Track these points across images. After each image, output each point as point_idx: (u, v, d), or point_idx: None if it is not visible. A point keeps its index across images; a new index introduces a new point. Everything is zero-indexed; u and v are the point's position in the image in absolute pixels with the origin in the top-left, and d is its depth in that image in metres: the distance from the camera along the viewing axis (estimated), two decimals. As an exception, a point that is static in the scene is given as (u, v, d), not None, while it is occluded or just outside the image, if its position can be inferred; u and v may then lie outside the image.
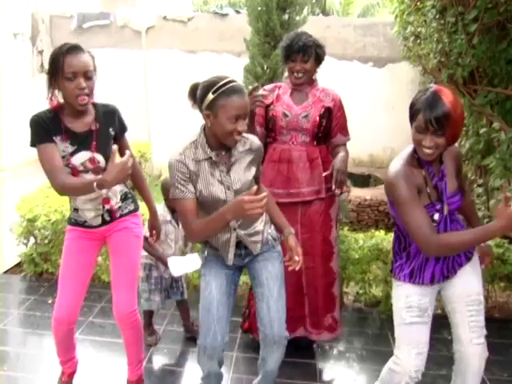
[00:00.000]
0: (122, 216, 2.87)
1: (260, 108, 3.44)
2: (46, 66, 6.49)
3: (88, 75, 2.55)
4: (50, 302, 4.21)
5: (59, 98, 2.64)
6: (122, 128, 2.83)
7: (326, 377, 3.51)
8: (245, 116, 2.39)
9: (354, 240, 4.43)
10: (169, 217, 3.60)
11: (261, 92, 3.28)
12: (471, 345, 2.54)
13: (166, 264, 3.53)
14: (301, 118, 3.38)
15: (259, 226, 2.69)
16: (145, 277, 3.66)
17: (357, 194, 6.02)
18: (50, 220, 4.45)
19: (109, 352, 3.59)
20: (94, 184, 2.43)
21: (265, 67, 4.56)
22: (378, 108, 7.51)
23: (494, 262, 4.21)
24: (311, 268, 3.51)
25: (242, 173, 2.55)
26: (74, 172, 2.67)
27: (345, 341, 3.88)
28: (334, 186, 3.24)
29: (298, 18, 4.77)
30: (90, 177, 2.66)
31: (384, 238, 4.40)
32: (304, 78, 3.39)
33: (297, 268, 2.61)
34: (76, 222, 2.84)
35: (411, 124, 2.35)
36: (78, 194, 2.69)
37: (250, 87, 3.12)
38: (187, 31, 8.01)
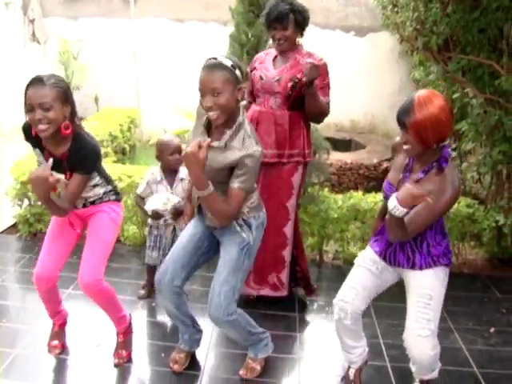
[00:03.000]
0: (101, 202, 3.05)
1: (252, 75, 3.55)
2: (38, 35, 6.52)
3: (44, 107, 2.59)
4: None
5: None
6: (77, 166, 2.82)
7: (305, 328, 3.68)
8: (210, 91, 2.45)
9: (334, 200, 4.56)
10: (159, 177, 3.68)
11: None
12: (412, 334, 2.60)
13: (147, 215, 3.67)
14: (273, 82, 3.41)
15: None
16: (148, 234, 3.82)
17: (338, 157, 6.09)
18: (42, 182, 4.53)
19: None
20: None
21: (249, 35, 4.56)
22: (359, 75, 7.58)
23: (464, 221, 4.43)
24: None
25: (216, 156, 2.57)
26: None
27: (324, 295, 4.04)
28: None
29: (282, -14, 4.76)
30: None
31: (362, 199, 4.53)
32: (286, 45, 3.41)
33: None
34: None
35: None
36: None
37: None
38: (174, 0, 8.07)
